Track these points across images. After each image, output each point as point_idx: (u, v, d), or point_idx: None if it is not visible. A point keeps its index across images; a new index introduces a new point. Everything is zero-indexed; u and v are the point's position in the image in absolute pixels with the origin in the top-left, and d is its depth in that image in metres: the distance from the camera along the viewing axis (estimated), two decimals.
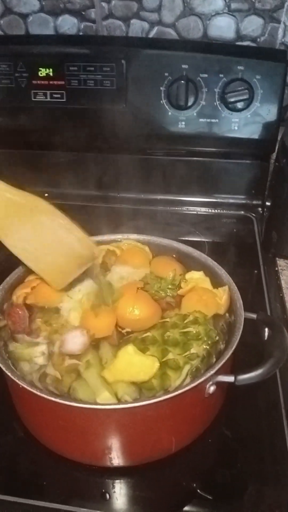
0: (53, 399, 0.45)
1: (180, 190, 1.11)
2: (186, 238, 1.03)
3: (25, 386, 0.47)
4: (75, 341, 0.53)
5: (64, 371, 0.51)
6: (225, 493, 0.55)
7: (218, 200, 1.11)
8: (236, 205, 1.11)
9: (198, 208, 1.11)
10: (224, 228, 1.06)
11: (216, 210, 1.10)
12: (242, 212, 1.09)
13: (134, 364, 0.51)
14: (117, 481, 0.53)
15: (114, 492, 0.52)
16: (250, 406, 0.61)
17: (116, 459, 0.52)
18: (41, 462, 0.55)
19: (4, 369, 0.49)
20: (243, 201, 1.11)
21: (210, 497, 0.53)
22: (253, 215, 1.08)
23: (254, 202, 1.11)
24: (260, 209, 1.09)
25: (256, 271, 0.93)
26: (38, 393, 0.46)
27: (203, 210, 1.11)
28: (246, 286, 0.87)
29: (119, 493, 0.52)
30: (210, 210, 1.11)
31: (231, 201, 1.11)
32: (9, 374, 0.48)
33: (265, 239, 0.98)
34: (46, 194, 1.12)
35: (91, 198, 1.12)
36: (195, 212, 1.11)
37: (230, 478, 0.56)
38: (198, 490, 0.54)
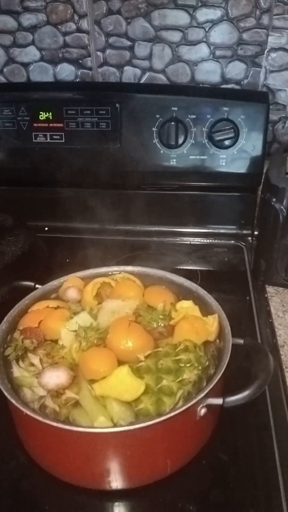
0: (54, 424, 0.49)
1: (173, 221, 1.17)
2: (180, 267, 1.08)
3: (28, 413, 0.50)
4: (56, 379, 0.56)
5: (61, 403, 0.54)
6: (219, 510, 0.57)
7: (210, 230, 1.17)
8: (227, 235, 1.16)
9: (191, 238, 1.16)
10: (216, 257, 1.11)
11: (208, 240, 1.16)
12: (233, 241, 1.15)
13: (124, 384, 0.55)
14: (116, 503, 0.56)
15: None
16: (242, 428, 0.65)
17: (114, 481, 0.55)
18: (42, 487, 0.58)
19: (8, 397, 0.53)
20: (234, 231, 1.16)
21: None
22: (243, 244, 1.13)
23: (244, 231, 1.16)
24: (249, 238, 1.15)
25: (247, 297, 0.98)
26: (41, 419, 0.50)
27: (196, 240, 1.16)
28: (237, 313, 0.92)
29: None
30: (202, 240, 1.16)
31: (222, 231, 1.17)
32: (13, 401, 0.52)
33: (254, 267, 1.02)
34: (46, 228, 1.20)
35: (89, 231, 1.17)
36: (189, 242, 1.16)
37: (224, 498, 0.58)
38: (194, 509, 0.56)
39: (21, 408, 0.51)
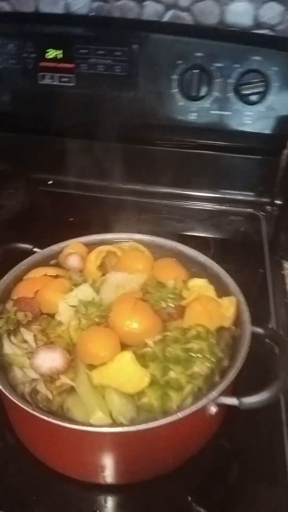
0: (46, 418, 0.43)
1: (186, 184, 1.07)
2: (191, 234, 1.00)
3: (17, 403, 0.44)
4: (50, 363, 0.50)
5: (55, 390, 0.48)
6: (221, 509, 0.53)
7: (226, 196, 1.07)
8: (244, 202, 1.07)
9: (204, 204, 1.07)
10: (231, 226, 1.03)
11: (223, 206, 1.07)
12: (250, 209, 1.06)
13: (126, 373, 0.48)
14: (109, 497, 0.51)
15: (106, 508, 0.51)
16: (251, 423, 0.59)
17: (110, 477, 0.50)
18: (31, 473, 0.53)
19: None
20: (251, 198, 1.07)
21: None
22: (262, 213, 1.04)
23: (263, 199, 1.07)
24: (268, 207, 1.06)
25: (261, 271, 0.90)
26: (31, 411, 0.44)
27: (209, 205, 1.07)
28: (250, 290, 0.84)
29: (111, 510, 0.51)
30: (216, 206, 1.07)
31: (239, 197, 1.07)
32: (2, 389, 0.46)
33: (273, 240, 0.94)
34: (50, 182, 1.10)
35: (95, 188, 1.08)
36: (202, 208, 1.07)
37: (227, 495, 0.54)
38: (194, 505, 0.52)
39: (9, 396, 0.45)
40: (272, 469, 0.56)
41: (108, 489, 0.52)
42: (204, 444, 0.55)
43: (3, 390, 0.46)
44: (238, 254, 0.93)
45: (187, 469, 0.54)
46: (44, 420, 0.43)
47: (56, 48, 0.94)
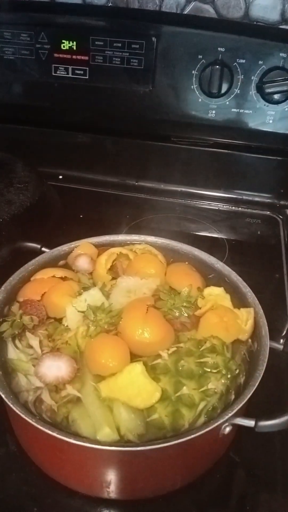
0: (50, 432, 0.41)
1: (203, 183, 1.04)
2: (205, 234, 0.97)
3: (21, 415, 0.41)
4: (56, 372, 0.47)
5: (60, 400, 0.45)
6: None
7: (243, 197, 1.04)
8: (262, 204, 1.03)
9: (220, 204, 1.04)
10: (247, 229, 0.99)
11: (239, 208, 1.03)
12: (268, 212, 1.02)
13: (135, 386, 0.46)
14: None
15: None
16: (264, 440, 0.56)
17: (115, 492, 0.48)
18: (33, 484, 0.51)
19: (2, 393, 0.44)
20: (270, 200, 1.03)
21: None
22: (280, 216, 1.01)
23: (282, 202, 1.03)
24: (287, 210, 1.02)
25: (278, 276, 0.87)
26: (35, 424, 0.41)
27: (225, 206, 1.04)
28: (266, 295, 0.82)
29: None
30: (233, 207, 1.03)
31: (257, 199, 1.04)
32: (3, 396, 0.43)
33: None
34: (60, 176, 1.08)
35: (107, 184, 1.05)
36: (217, 208, 1.03)
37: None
38: None
39: (13, 407, 0.42)
40: (284, 484, 0.53)
41: (113, 504, 0.49)
42: (214, 462, 0.52)
43: (6, 400, 0.43)
44: (253, 258, 0.90)
45: (196, 486, 0.51)
46: (48, 434, 0.41)
47: (70, 39, 0.90)
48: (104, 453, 0.42)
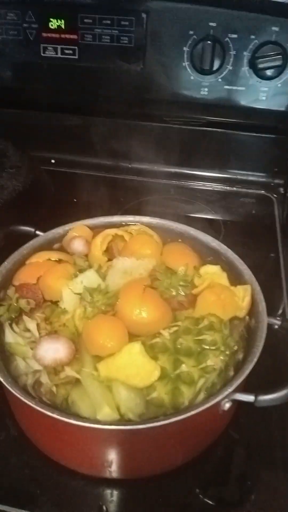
0: (50, 414, 0.41)
1: (197, 163, 1.03)
2: (200, 216, 0.96)
3: (21, 398, 0.41)
4: (53, 354, 0.47)
5: (59, 382, 0.45)
6: (230, 506, 0.51)
7: (237, 176, 1.03)
8: (256, 183, 1.03)
9: (214, 184, 1.03)
10: (242, 208, 0.99)
11: (234, 188, 1.03)
12: (262, 191, 1.01)
13: (134, 365, 0.46)
14: (115, 492, 0.49)
15: (112, 503, 0.49)
16: (263, 415, 0.57)
17: (117, 472, 0.48)
18: (35, 466, 0.51)
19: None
20: (264, 179, 1.03)
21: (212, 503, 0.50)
22: (274, 195, 1.00)
23: (276, 181, 1.03)
24: (281, 189, 1.01)
25: (273, 256, 0.87)
26: (35, 407, 0.41)
27: (220, 186, 1.03)
28: (261, 274, 0.82)
29: (118, 505, 0.49)
30: (227, 187, 1.03)
31: (251, 178, 1.03)
32: (4, 383, 0.43)
33: (286, 223, 0.90)
34: (52, 161, 1.06)
35: (101, 167, 1.04)
36: (211, 189, 1.03)
37: (235, 490, 0.52)
38: (201, 496, 0.50)
39: (12, 390, 0.42)
40: (284, 460, 0.53)
41: (114, 483, 0.50)
42: (215, 439, 0.52)
43: (5, 383, 0.43)
44: (249, 238, 0.90)
45: (196, 464, 0.52)
46: (48, 415, 0.41)
47: (59, 17, 0.88)
48: (104, 433, 0.42)
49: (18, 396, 0.42)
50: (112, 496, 0.49)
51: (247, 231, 0.92)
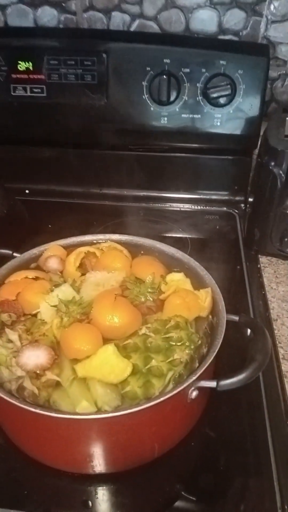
0: (33, 409, 0.45)
1: (162, 186, 1.10)
2: (169, 235, 1.03)
3: (4, 397, 0.45)
4: (33, 359, 0.51)
5: (41, 385, 0.49)
6: (209, 494, 0.55)
7: (201, 196, 1.11)
8: (219, 201, 1.10)
9: (181, 205, 1.10)
10: (207, 225, 1.06)
11: (198, 207, 1.10)
12: (225, 208, 1.09)
13: (109, 364, 0.50)
14: (99, 488, 0.53)
15: (97, 498, 0.52)
16: (233, 407, 0.62)
17: (98, 466, 0.52)
18: (21, 470, 0.54)
19: None
20: (226, 197, 1.11)
21: (194, 498, 0.53)
22: (236, 211, 1.08)
23: (237, 198, 1.10)
24: (242, 205, 1.09)
25: (238, 267, 0.93)
26: (18, 404, 0.45)
27: (186, 206, 1.10)
28: (228, 284, 0.88)
29: (102, 500, 0.52)
30: (192, 207, 1.10)
31: (214, 197, 1.11)
32: None
33: (247, 236, 0.97)
34: (27, 191, 1.12)
35: (73, 194, 1.10)
36: (178, 209, 1.10)
37: (213, 481, 0.56)
38: (182, 492, 0.54)
39: None
40: (256, 452, 0.58)
41: (98, 478, 0.53)
42: (188, 431, 0.56)
43: None
44: (215, 252, 0.96)
45: (174, 457, 0.56)
46: (31, 411, 0.45)
47: (26, 60, 0.96)
48: (82, 423, 0.46)
49: (3, 396, 0.46)
50: (97, 490, 0.53)
51: (213, 245, 0.99)
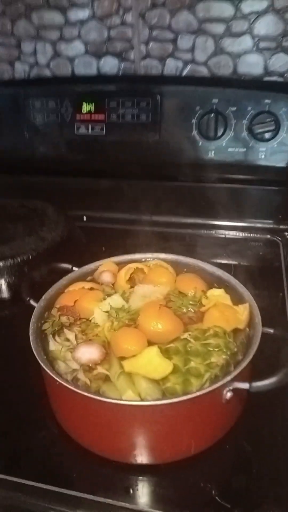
0: (86, 394, 0.52)
1: (209, 214, 1.17)
2: (214, 260, 1.08)
3: (62, 383, 0.53)
4: (87, 355, 0.59)
5: (92, 378, 0.57)
6: (242, 500, 0.58)
7: (246, 224, 1.16)
8: (263, 229, 1.15)
9: (226, 232, 1.16)
10: (251, 251, 1.11)
11: (243, 234, 1.15)
12: (269, 236, 1.14)
13: (152, 363, 0.56)
14: (140, 477, 0.58)
15: (137, 488, 0.57)
16: (268, 416, 0.65)
17: (140, 456, 0.57)
18: (72, 456, 0.61)
19: (44, 367, 0.56)
20: (270, 226, 1.15)
21: (228, 505, 0.56)
22: (279, 239, 1.12)
23: (281, 226, 1.15)
24: (286, 233, 1.13)
25: (280, 294, 0.97)
26: (73, 389, 0.52)
27: (231, 233, 1.16)
28: (269, 308, 0.91)
29: (141, 489, 0.57)
30: (238, 234, 1.16)
31: (258, 225, 1.16)
32: (48, 371, 0.55)
33: None
34: (84, 218, 1.23)
35: (126, 221, 1.20)
36: (223, 236, 1.16)
37: (245, 485, 0.58)
38: (216, 498, 0.57)
39: (56, 377, 0.54)
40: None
41: (138, 469, 0.58)
42: (223, 433, 0.61)
43: (50, 373, 0.55)
44: (257, 277, 1.00)
45: (210, 457, 0.60)
46: (84, 396, 0.52)
47: (89, 103, 1.09)
48: (127, 409, 0.52)
49: (63, 383, 0.53)
50: (137, 480, 0.58)
51: (256, 271, 1.03)
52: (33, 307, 0.68)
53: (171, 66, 1.13)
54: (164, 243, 1.10)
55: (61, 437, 0.63)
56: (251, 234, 1.14)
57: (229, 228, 1.16)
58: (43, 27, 1.15)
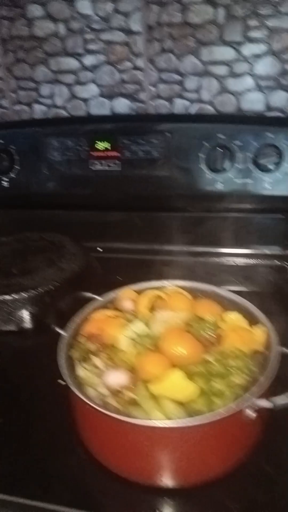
0: (120, 417, 0.55)
1: (218, 242, 1.21)
2: (225, 286, 1.12)
3: (95, 406, 0.56)
4: (115, 380, 0.62)
5: (121, 402, 0.60)
6: None
7: (254, 251, 1.21)
8: (271, 255, 1.20)
9: (235, 259, 1.21)
10: (260, 277, 1.14)
11: (252, 260, 1.20)
12: (276, 261, 1.18)
13: (178, 386, 0.59)
14: (167, 499, 0.60)
15: (164, 508, 0.59)
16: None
17: (166, 479, 0.59)
18: (100, 480, 0.63)
19: (75, 391, 0.59)
20: (278, 252, 1.20)
21: None
22: (287, 264, 1.16)
23: (287, 252, 1.19)
24: None
25: None
26: (107, 412, 0.55)
27: (240, 260, 1.20)
28: (282, 330, 0.95)
29: (167, 510, 0.59)
30: (246, 261, 1.20)
31: (266, 251, 1.21)
32: (79, 395, 0.58)
33: None
34: (99, 248, 1.28)
35: (139, 251, 1.24)
36: (233, 263, 1.20)
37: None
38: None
39: (88, 401, 0.57)
40: None
41: (165, 492, 0.61)
42: (247, 455, 0.63)
43: (81, 397, 0.58)
44: (267, 302, 1.03)
45: (235, 480, 0.62)
46: (114, 418, 0.55)
47: (104, 141, 1.16)
48: (156, 431, 0.55)
49: (95, 406, 0.57)
50: (164, 502, 0.60)
51: (266, 296, 1.07)
52: (56, 337, 0.71)
53: (179, 105, 1.21)
54: (176, 271, 1.15)
55: (90, 463, 0.65)
56: (260, 261, 1.19)
57: (238, 256, 1.21)
58: (60, 71, 1.23)
